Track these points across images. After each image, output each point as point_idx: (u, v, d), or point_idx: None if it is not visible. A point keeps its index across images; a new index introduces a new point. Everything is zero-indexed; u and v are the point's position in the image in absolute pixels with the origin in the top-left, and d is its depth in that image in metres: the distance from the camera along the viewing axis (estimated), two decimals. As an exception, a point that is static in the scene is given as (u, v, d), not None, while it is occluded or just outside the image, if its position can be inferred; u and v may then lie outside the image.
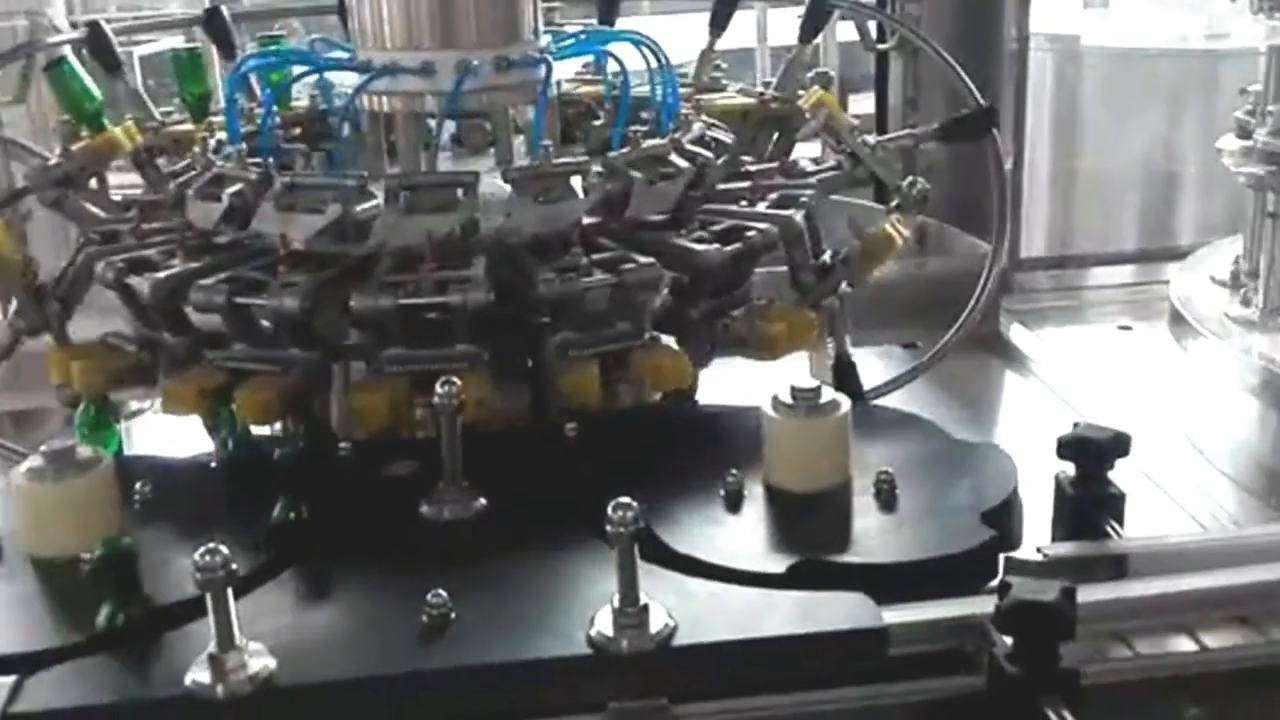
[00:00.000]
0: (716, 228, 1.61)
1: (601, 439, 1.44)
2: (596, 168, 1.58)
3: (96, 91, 1.76)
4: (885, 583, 1.15)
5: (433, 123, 1.69)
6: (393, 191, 1.50)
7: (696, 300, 1.57)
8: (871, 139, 1.83)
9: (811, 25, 1.97)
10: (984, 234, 2.10)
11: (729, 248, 1.54)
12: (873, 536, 1.24)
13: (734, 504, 1.30)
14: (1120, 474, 1.32)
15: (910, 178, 1.74)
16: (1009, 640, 1.05)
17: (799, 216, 1.63)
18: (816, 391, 1.32)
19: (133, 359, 1.57)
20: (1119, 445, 1.30)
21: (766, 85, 1.99)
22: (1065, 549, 1.24)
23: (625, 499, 1.06)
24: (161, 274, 1.49)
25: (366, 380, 1.51)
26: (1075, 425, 1.33)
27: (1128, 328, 2.68)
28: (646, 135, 1.68)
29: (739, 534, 1.26)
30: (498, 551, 1.25)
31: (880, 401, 1.87)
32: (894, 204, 1.73)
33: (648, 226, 1.61)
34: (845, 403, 1.34)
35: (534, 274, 1.46)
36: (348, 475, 1.39)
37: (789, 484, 1.32)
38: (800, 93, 1.89)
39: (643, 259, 1.49)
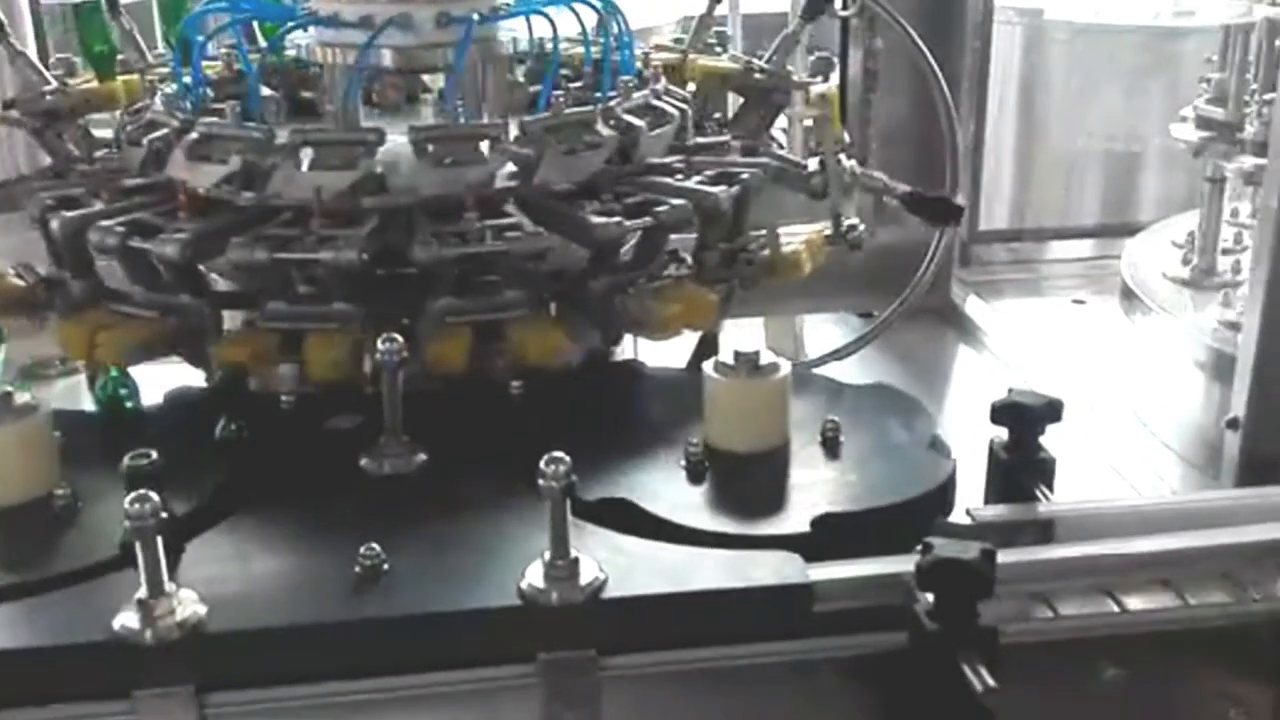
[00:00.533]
0: (630, 200, 1.55)
1: (547, 397, 1.45)
2: (514, 131, 1.54)
3: (114, 39, 1.76)
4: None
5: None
6: (293, 146, 1.48)
7: (596, 274, 1.52)
8: (849, 163, 1.81)
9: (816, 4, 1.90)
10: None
11: (631, 222, 1.49)
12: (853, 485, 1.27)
13: (696, 471, 1.31)
14: (1064, 446, 1.35)
15: (854, 220, 1.74)
16: (930, 598, 1.07)
17: (726, 196, 1.56)
18: (756, 355, 1.34)
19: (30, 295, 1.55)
20: (1051, 411, 1.32)
21: (755, 56, 1.96)
22: (993, 512, 1.26)
23: (558, 453, 1.08)
24: (71, 213, 1.48)
25: (237, 333, 1.50)
26: (1009, 391, 1.35)
27: (1081, 301, 2.70)
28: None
29: (713, 499, 1.28)
30: (436, 506, 1.26)
31: (831, 370, 1.90)
32: (826, 231, 1.73)
33: (560, 195, 1.56)
34: (784, 368, 1.35)
35: (419, 237, 1.43)
36: (288, 428, 1.39)
37: (736, 445, 1.34)
38: (790, 70, 1.86)
39: (531, 228, 1.46)
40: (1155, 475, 2.00)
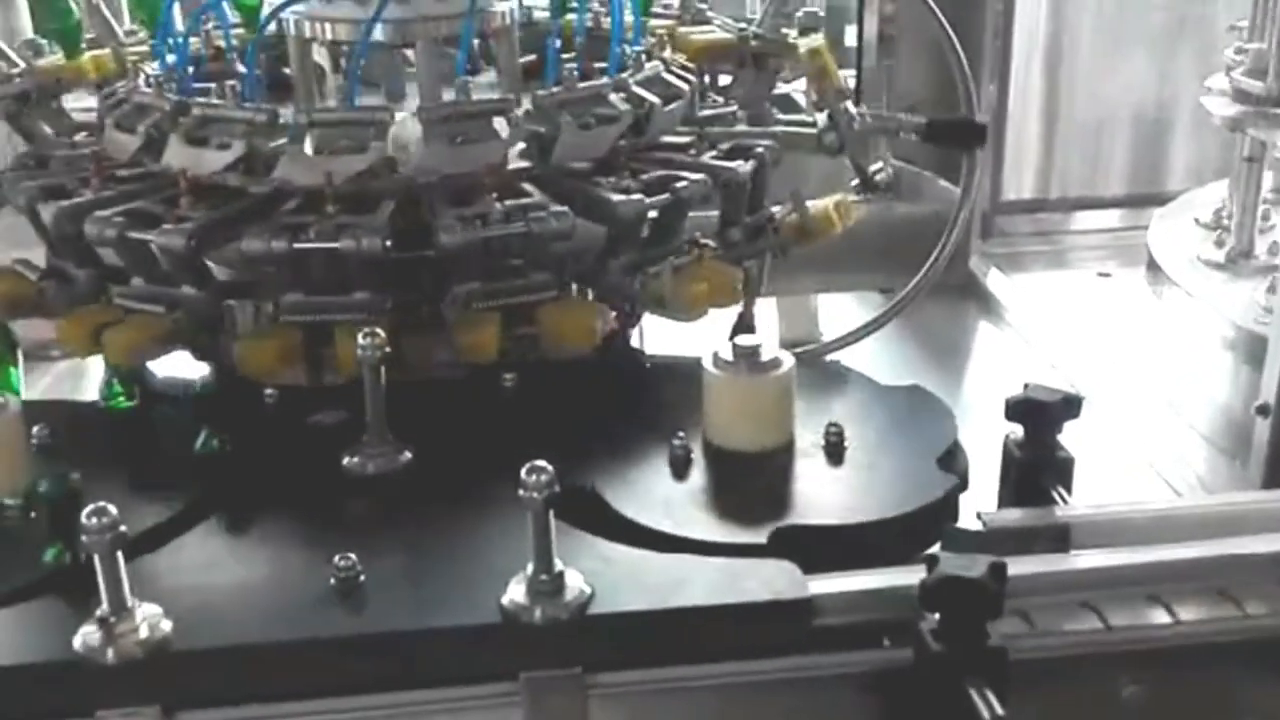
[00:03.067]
0: (646, 176, 1.49)
1: (541, 392, 1.39)
2: (526, 106, 1.47)
3: (78, 12, 1.70)
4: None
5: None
6: (299, 128, 1.41)
7: (617, 253, 1.46)
8: (855, 109, 1.73)
9: None
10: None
11: (652, 199, 1.43)
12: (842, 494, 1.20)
13: (681, 468, 1.25)
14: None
15: (879, 163, 1.67)
16: (936, 615, 1.01)
17: (745, 168, 1.52)
18: (757, 349, 1.27)
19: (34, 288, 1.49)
20: (1069, 408, 1.25)
21: (748, 22, 1.88)
22: (1007, 517, 1.19)
23: (540, 461, 1.01)
24: (65, 203, 1.42)
25: (258, 328, 1.43)
26: (1025, 387, 1.28)
27: (1107, 274, 2.61)
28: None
29: (698, 502, 1.21)
30: (419, 510, 1.20)
31: (849, 349, 1.83)
32: (854, 183, 1.66)
33: (575, 173, 1.50)
34: (788, 360, 1.28)
35: (439, 220, 1.37)
36: (270, 423, 1.34)
37: (734, 444, 1.27)
38: (787, 32, 1.78)
39: (556, 207, 1.40)
40: (1180, 460, 1.93)
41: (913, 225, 2.31)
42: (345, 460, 1.26)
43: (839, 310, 2.32)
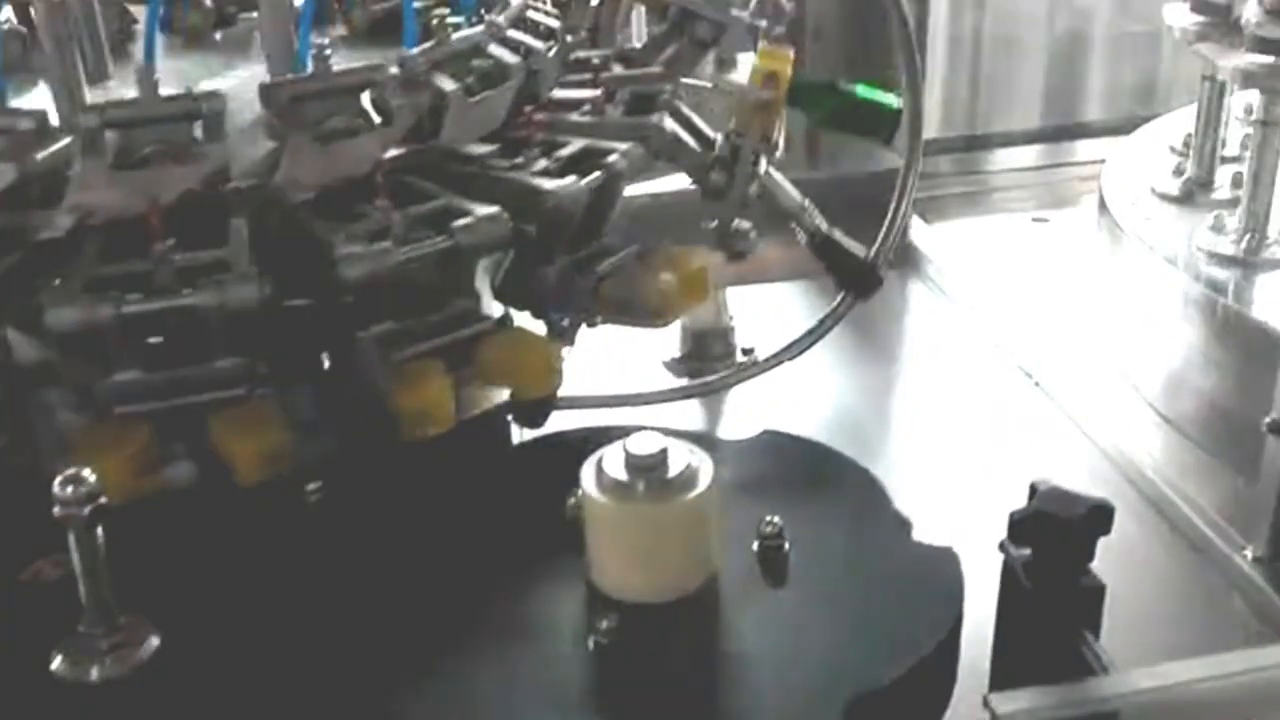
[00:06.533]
0: (564, 152, 1.13)
1: (358, 503, 0.99)
2: (392, 70, 1.06)
3: None
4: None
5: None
6: (92, 133, 0.98)
7: (551, 256, 1.11)
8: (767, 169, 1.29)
9: None
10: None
11: (586, 179, 1.08)
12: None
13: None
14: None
15: (748, 224, 1.27)
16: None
17: (665, 120, 1.18)
18: (662, 458, 0.88)
19: None
20: (1098, 521, 0.90)
21: None
22: (1023, 703, 0.84)
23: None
24: None
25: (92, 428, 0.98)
26: (1033, 489, 0.92)
27: (1043, 219, 2.27)
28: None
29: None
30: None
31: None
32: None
33: (468, 158, 1.13)
34: (707, 473, 0.89)
35: (328, 247, 0.97)
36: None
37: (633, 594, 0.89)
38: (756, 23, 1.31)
39: (481, 208, 1.02)
40: (1138, 445, 1.61)
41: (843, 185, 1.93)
42: (54, 664, 0.84)
43: (776, 303, 1.92)
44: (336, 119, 1.02)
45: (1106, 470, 1.59)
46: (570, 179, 1.07)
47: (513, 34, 1.17)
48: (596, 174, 1.09)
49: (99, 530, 0.81)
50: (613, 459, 0.89)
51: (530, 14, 1.24)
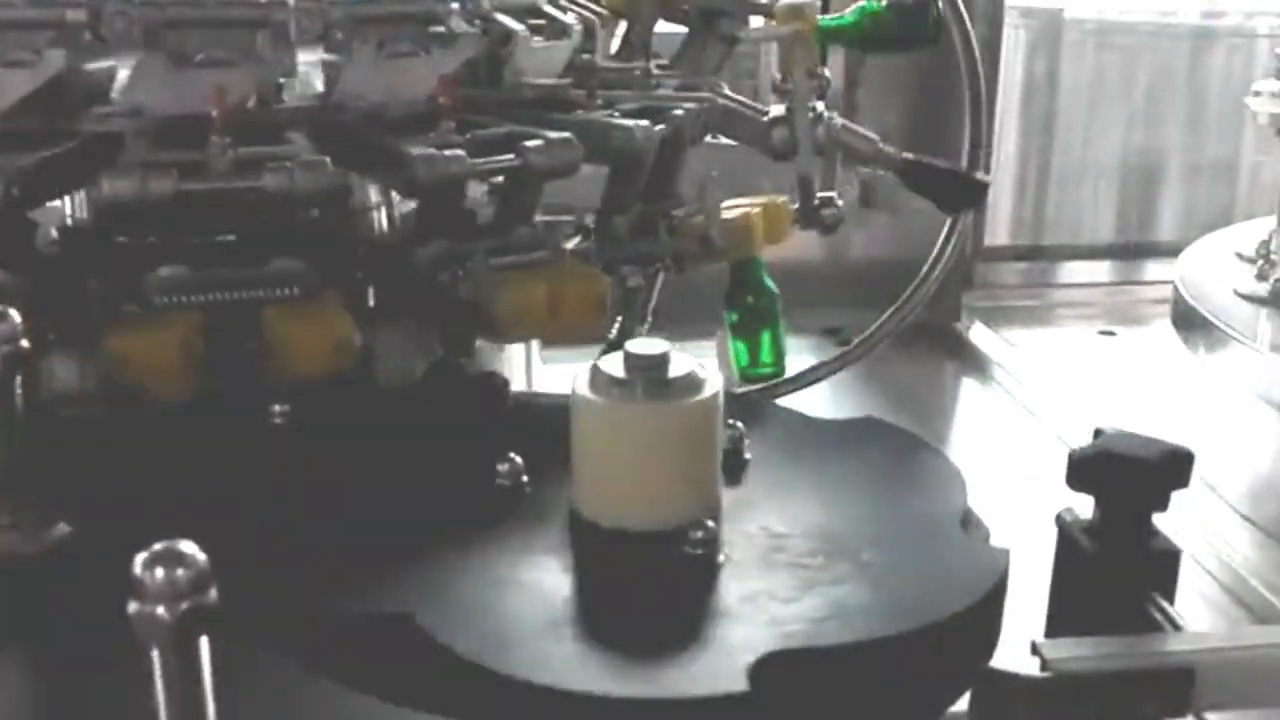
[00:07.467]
0: (625, 107, 1.11)
1: (323, 428, 0.88)
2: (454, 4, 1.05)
3: None
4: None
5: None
6: (151, 30, 0.96)
7: (623, 205, 1.08)
8: (828, 113, 1.24)
9: None
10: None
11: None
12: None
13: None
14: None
15: (830, 194, 1.22)
16: None
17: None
18: (663, 359, 0.77)
19: None
20: (1175, 469, 0.76)
21: None
22: (1084, 652, 0.69)
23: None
24: None
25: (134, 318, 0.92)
26: (1097, 432, 0.79)
27: (1110, 332, 2.16)
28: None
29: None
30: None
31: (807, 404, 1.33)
32: (794, 206, 1.21)
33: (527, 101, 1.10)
34: (713, 380, 0.78)
35: (401, 153, 0.95)
36: None
37: (623, 519, 0.77)
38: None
39: (553, 134, 0.99)
40: (1227, 547, 1.46)
41: (880, 265, 1.86)
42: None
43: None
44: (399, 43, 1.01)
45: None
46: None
47: (501, 16, 1.12)
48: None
49: (17, 380, 0.72)
50: (610, 361, 0.78)
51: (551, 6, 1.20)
